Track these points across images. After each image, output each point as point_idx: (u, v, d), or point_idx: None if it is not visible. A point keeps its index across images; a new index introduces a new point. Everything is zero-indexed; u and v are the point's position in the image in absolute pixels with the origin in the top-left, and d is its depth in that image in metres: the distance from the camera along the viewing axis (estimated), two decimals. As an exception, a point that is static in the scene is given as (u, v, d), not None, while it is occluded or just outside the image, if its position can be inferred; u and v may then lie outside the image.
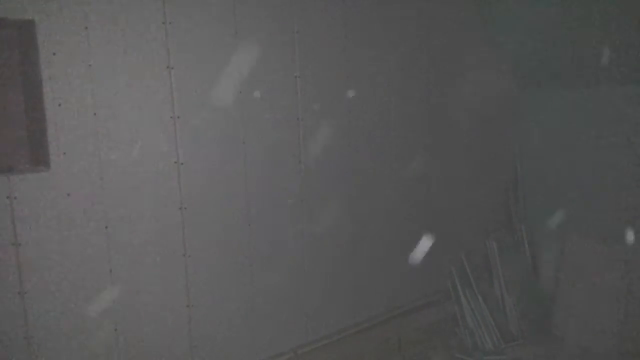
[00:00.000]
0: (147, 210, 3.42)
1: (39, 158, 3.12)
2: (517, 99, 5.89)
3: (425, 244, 5.18)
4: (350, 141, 4.48)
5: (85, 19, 3.11)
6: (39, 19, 2.97)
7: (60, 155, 3.07)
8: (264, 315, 4.03)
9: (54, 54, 3.02)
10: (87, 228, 3.18)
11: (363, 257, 4.66)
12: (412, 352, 4.97)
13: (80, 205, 3.15)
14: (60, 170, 3.08)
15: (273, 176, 4.03)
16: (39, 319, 3.05)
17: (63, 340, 3.14)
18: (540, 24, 5.13)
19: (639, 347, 5.05)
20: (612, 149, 5.31)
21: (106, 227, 3.25)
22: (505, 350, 5.26)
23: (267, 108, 3.96)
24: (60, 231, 3.09)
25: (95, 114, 3.17)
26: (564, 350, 5.26)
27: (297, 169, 4.17)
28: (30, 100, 3.13)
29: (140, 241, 3.40)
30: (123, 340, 3.36)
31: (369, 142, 4.63)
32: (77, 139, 3.13)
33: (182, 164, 3.53)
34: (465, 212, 5.49)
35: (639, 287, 5.12)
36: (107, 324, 3.29)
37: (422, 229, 5.15)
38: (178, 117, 3.50)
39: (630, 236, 5.24)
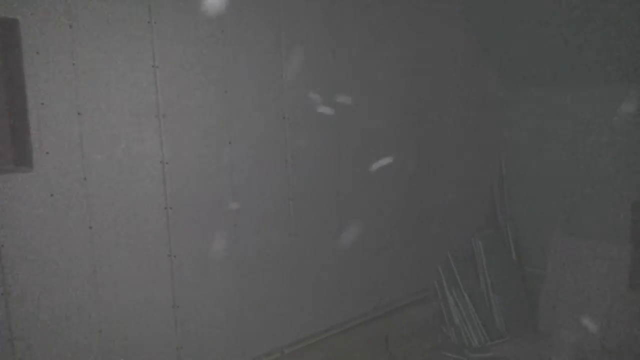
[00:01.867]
0: (131, 210, 3.39)
1: (21, 158, 3.08)
2: (502, 98, 5.92)
3: (411, 242, 5.20)
4: (337, 139, 4.48)
5: (69, 18, 3.07)
6: (23, 17, 2.93)
7: (44, 155, 3.04)
8: (251, 315, 4.02)
9: (38, 52, 2.99)
10: (71, 228, 3.15)
11: (350, 256, 4.66)
12: (399, 350, 4.98)
13: (64, 205, 3.12)
14: (44, 171, 3.04)
15: (259, 176, 4.01)
16: (22, 320, 3.01)
17: (47, 341, 3.10)
18: (526, 25, 5.15)
19: (625, 342, 5.10)
20: (597, 147, 5.35)
21: (90, 228, 3.22)
22: (491, 347, 5.29)
23: (253, 107, 3.94)
24: (44, 232, 3.05)
25: (79, 113, 3.14)
26: (550, 346, 5.29)
27: (284, 168, 4.16)
28: (13, 99, 3.08)
29: (125, 241, 3.37)
30: (108, 341, 3.33)
31: (356, 139, 4.62)
32: (61, 139, 3.09)
33: (167, 163, 3.51)
34: (452, 210, 5.52)
35: (624, 283, 5.17)
36: (91, 325, 3.26)
37: (408, 228, 5.16)
38: (163, 116, 3.48)
39: (614, 234, 5.28)
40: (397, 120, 4.96)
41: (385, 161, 4.85)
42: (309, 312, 4.40)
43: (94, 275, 3.25)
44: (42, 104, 3.01)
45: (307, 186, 4.31)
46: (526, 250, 5.92)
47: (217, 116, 3.75)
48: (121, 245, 3.36)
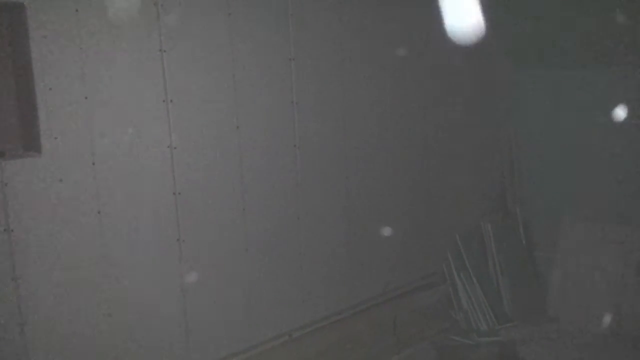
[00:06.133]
0: (140, 195, 3.39)
1: (30, 143, 3.09)
2: (512, 80, 5.86)
3: (420, 226, 5.18)
4: (345, 123, 4.46)
5: (75, 2, 3.05)
6: (29, 1, 2.91)
7: (52, 140, 3.04)
8: (259, 299, 4.04)
9: (45, 37, 2.98)
10: (79, 213, 3.16)
11: (359, 240, 4.66)
12: (407, 334, 4.99)
13: (72, 190, 3.12)
14: (52, 155, 3.05)
15: (268, 160, 4.01)
16: (32, 304, 3.03)
17: (57, 326, 3.13)
18: (539, 3, 5.08)
19: (634, 327, 5.08)
20: (608, 130, 5.30)
21: (99, 212, 3.22)
22: (500, 331, 5.29)
23: (261, 92, 3.92)
24: (53, 216, 3.07)
25: (86, 97, 3.14)
26: (559, 331, 5.29)
27: (292, 153, 4.14)
28: (20, 84, 3.09)
29: (134, 226, 3.38)
30: (118, 325, 3.35)
31: (364, 124, 4.60)
32: (69, 124, 3.09)
33: (175, 148, 3.51)
34: (461, 193, 5.49)
35: (634, 268, 5.14)
36: (101, 310, 3.28)
37: (417, 212, 5.14)
38: (171, 101, 3.46)
39: (625, 218, 5.24)
40: (406, 103, 4.92)
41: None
42: (317, 296, 4.40)
43: (103, 260, 3.27)
44: (50, 88, 3.01)
45: (316, 171, 4.30)
46: (536, 234, 5.89)
47: (225, 101, 3.74)
48: (130, 230, 3.37)
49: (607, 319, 5.14)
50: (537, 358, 4.93)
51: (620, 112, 5.18)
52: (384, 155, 4.79)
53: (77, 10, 3.06)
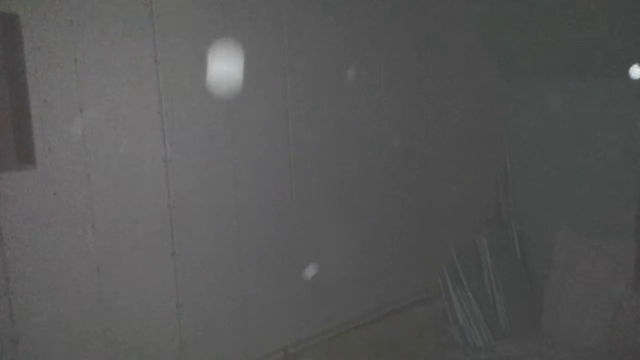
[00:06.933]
0: (134, 208, 3.36)
1: (24, 156, 3.05)
2: (506, 92, 5.89)
3: (416, 240, 5.17)
4: (340, 138, 4.45)
5: (70, 13, 3.04)
6: (23, 12, 2.90)
7: (46, 152, 3.00)
8: (254, 315, 3.99)
9: (39, 48, 2.95)
10: (74, 227, 3.11)
11: (353, 255, 4.63)
12: (403, 350, 4.95)
13: (67, 204, 3.08)
14: (47, 168, 3.01)
15: (262, 172, 3.98)
16: (25, 319, 2.98)
17: (50, 341, 3.07)
18: (530, 16, 5.12)
19: (629, 342, 5.07)
20: (602, 144, 5.32)
21: (93, 226, 3.18)
22: (495, 346, 5.27)
23: (255, 103, 3.91)
24: (47, 230, 3.02)
25: (81, 110, 3.11)
26: (554, 346, 5.27)
27: (287, 166, 4.12)
28: (15, 96, 3.06)
29: (128, 240, 3.34)
30: (112, 340, 3.30)
31: (359, 138, 4.60)
32: (63, 136, 3.06)
33: (170, 161, 3.48)
34: (456, 208, 5.49)
35: (629, 282, 5.14)
36: (95, 324, 3.23)
37: (412, 226, 5.13)
38: (165, 114, 3.44)
39: (619, 233, 5.25)
40: (400, 116, 4.92)
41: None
42: (312, 312, 4.37)
43: (98, 274, 3.22)
44: (45, 100, 2.98)
45: (311, 182, 4.28)
46: (531, 248, 5.89)
47: (219, 112, 3.72)
48: (124, 244, 3.33)
49: (602, 334, 5.12)
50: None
51: (614, 125, 5.22)
52: (380, 168, 4.78)
53: (71, 21, 3.04)
